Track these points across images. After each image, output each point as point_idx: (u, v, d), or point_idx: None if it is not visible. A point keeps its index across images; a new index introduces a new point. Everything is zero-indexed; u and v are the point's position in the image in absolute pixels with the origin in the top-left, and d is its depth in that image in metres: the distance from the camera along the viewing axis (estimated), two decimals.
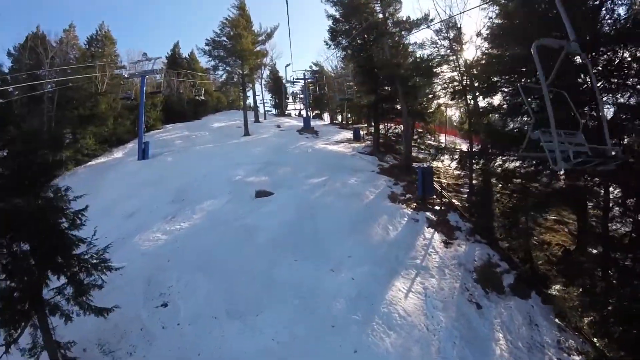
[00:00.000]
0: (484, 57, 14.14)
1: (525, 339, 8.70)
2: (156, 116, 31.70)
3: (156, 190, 16.45)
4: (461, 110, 26.98)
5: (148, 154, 22.52)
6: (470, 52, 24.19)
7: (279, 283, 9.56)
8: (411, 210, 13.74)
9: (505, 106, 12.91)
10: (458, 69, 16.40)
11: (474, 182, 14.88)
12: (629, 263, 9.40)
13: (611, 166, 4.31)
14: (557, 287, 10.43)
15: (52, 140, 21.53)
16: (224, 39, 27.17)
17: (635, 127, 9.88)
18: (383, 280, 9.79)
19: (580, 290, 9.89)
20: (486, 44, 14.01)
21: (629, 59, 9.81)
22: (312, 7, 74.55)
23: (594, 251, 10.98)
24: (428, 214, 13.60)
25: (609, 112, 10.58)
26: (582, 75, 10.27)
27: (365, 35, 21.09)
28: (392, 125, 24.99)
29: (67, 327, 7.35)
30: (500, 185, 12.84)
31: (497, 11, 12.62)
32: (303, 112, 40.34)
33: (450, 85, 17.19)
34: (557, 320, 9.33)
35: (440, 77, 18.00)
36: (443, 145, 22.62)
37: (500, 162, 12.62)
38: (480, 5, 11.83)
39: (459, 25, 16.57)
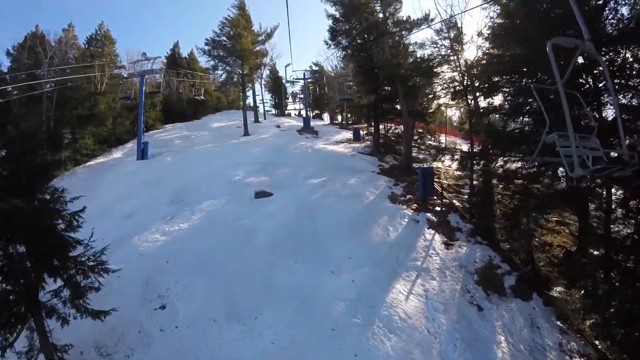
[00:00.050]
0: (485, 57, 14.06)
1: (526, 341, 8.63)
2: (155, 116, 31.60)
3: (155, 191, 16.37)
4: (461, 110, 26.88)
5: (147, 154, 22.42)
6: (471, 52, 24.09)
7: (278, 285, 9.48)
8: (411, 211, 13.66)
9: (506, 106, 12.85)
10: (459, 69, 16.31)
11: (474, 182, 14.79)
12: (631, 265, 9.34)
13: (627, 172, 4.08)
14: (559, 288, 10.37)
15: (51, 140, 21.47)
16: (224, 38, 27.09)
17: (638, 128, 9.82)
18: (383, 282, 9.72)
19: (582, 292, 9.83)
20: (487, 44, 13.95)
21: (631, 59, 9.74)
22: (312, 7, 74.24)
23: (596, 253, 10.92)
24: (428, 214, 13.52)
25: (609, 112, 10.54)
26: (584, 76, 10.21)
27: (366, 35, 21.01)
28: (392, 125, 24.91)
29: (64, 329, 7.27)
30: (501, 186, 12.76)
31: (498, 11, 12.56)
32: (303, 112, 40.27)
33: (451, 85, 17.10)
34: (558, 322, 9.26)
35: (440, 77, 17.90)
36: (443, 146, 22.50)
37: (502, 163, 12.56)
38: (481, 5, 11.75)
39: (459, 25, 16.48)
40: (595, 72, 9.98)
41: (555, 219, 13.45)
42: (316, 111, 47.08)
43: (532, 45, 10.40)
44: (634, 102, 9.82)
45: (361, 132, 26.40)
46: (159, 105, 32.12)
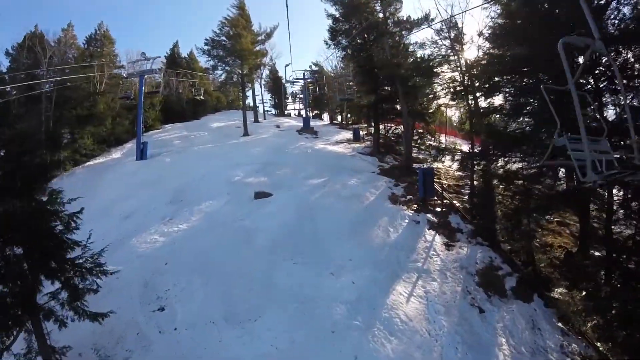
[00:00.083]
0: (485, 57, 14.03)
1: (528, 343, 8.58)
2: (155, 116, 31.51)
3: (154, 191, 16.30)
4: (462, 110, 26.88)
5: (146, 154, 22.34)
6: (472, 52, 23.98)
7: (278, 287, 9.42)
8: (412, 211, 13.61)
9: (507, 106, 12.81)
10: (459, 69, 16.25)
11: (475, 183, 14.74)
12: (632, 266, 9.30)
13: (639, 177, 3.98)
14: (560, 290, 10.31)
15: (50, 140, 21.40)
16: (224, 38, 27.03)
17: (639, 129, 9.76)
18: (384, 284, 9.66)
19: (584, 293, 9.79)
20: (487, 44, 13.92)
21: (632, 59, 9.70)
22: (312, 7, 74.28)
23: (597, 254, 10.88)
24: (429, 215, 13.47)
25: (609, 113, 10.49)
26: (584, 75, 10.15)
27: (366, 35, 20.96)
28: (392, 125, 24.87)
29: (62, 331, 7.19)
30: (502, 186, 12.71)
31: (498, 11, 12.53)
32: (302, 112, 40.21)
33: (451, 85, 17.05)
34: (560, 324, 9.20)
35: (440, 77, 17.86)
36: (444, 146, 22.44)
37: (502, 164, 12.51)
38: (482, 5, 11.70)
39: (460, 25, 16.43)
40: (596, 72, 9.94)
41: (556, 219, 13.40)
42: (316, 111, 47.05)
43: (533, 45, 10.36)
44: (635, 102, 9.77)
45: (361, 132, 26.35)
46: (158, 105, 32.03)
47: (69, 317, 7.22)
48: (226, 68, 28.54)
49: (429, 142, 23.08)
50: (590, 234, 11.19)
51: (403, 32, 20.01)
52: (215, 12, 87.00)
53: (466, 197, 15.95)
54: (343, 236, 11.58)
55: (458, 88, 16.46)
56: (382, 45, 20.06)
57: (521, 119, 12.29)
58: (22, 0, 51.68)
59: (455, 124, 35.06)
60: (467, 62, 16.01)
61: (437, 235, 12.33)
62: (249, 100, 38.46)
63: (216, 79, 37.00)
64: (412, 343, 7.98)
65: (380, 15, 19.88)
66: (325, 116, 46.94)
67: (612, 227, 9.98)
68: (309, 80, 34.39)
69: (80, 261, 7.45)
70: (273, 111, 48.74)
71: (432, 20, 17.92)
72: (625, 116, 9.59)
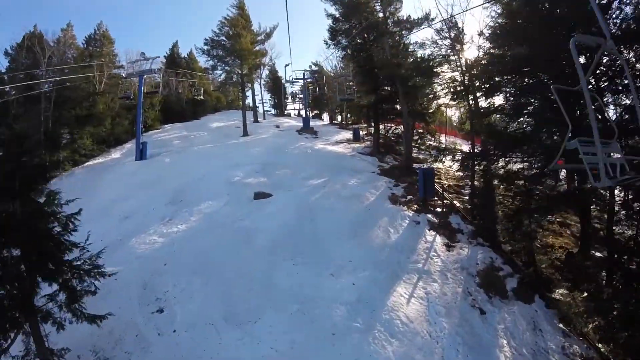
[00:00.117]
0: (486, 57, 13.96)
1: (529, 344, 8.53)
2: (154, 116, 31.45)
3: (154, 192, 16.24)
4: (462, 110, 26.83)
5: (146, 155, 22.29)
6: (472, 52, 23.95)
7: (277, 288, 9.37)
8: (412, 212, 13.56)
9: (507, 106, 12.75)
10: (459, 68, 16.20)
11: (475, 183, 14.68)
12: (634, 267, 9.26)
13: None
14: (561, 291, 10.27)
15: (49, 140, 21.34)
16: (223, 38, 27.01)
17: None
18: (384, 285, 9.61)
19: (585, 294, 9.75)
20: (488, 44, 13.84)
21: (633, 59, 9.64)
22: (312, 7, 74.47)
23: (599, 254, 10.84)
24: (429, 216, 13.42)
25: (610, 114, 10.42)
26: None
27: (365, 35, 20.91)
28: (392, 125, 24.82)
29: (60, 333, 7.13)
30: (502, 187, 12.66)
31: (499, 10, 12.47)
32: (302, 112, 40.15)
33: (451, 85, 16.99)
34: (561, 325, 9.16)
35: (441, 77, 17.80)
36: (444, 146, 22.39)
37: (503, 164, 12.46)
38: (482, 4, 11.62)
39: (460, 25, 16.37)
40: (597, 72, 9.89)
41: (558, 220, 13.35)
42: (316, 111, 47.00)
43: (533, 45, 10.31)
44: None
45: (361, 133, 26.31)
46: (157, 105, 31.97)
47: (67, 319, 7.17)
48: (226, 68, 28.52)
49: (429, 142, 23.04)
50: (592, 235, 11.14)
51: (403, 32, 19.99)
52: (215, 12, 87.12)
53: (467, 197, 15.91)
54: (343, 237, 11.54)
55: (458, 88, 16.40)
56: (382, 45, 20.01)
57: (522, 119, 12.25)
58: (21, 0, 51.60)
59: (455, 124, 35.03)
60: (467, 62, 15.96)
61: (438, 235, 12.28)
62: (249, 100, 38.47)
63: (216, 79, 36.96)
64: (413, 345, 7.93)
65: (380, 15, 19.82)
66: (325, 116, 46.90)
67: (614, 227, 9.93)
68: (308, 80, 34.37)
69: (78, 263, 7.40)
70: (273, 111, 48.72)
71: (432, 19, 17.91)
72: (627, 116, 9.61)
